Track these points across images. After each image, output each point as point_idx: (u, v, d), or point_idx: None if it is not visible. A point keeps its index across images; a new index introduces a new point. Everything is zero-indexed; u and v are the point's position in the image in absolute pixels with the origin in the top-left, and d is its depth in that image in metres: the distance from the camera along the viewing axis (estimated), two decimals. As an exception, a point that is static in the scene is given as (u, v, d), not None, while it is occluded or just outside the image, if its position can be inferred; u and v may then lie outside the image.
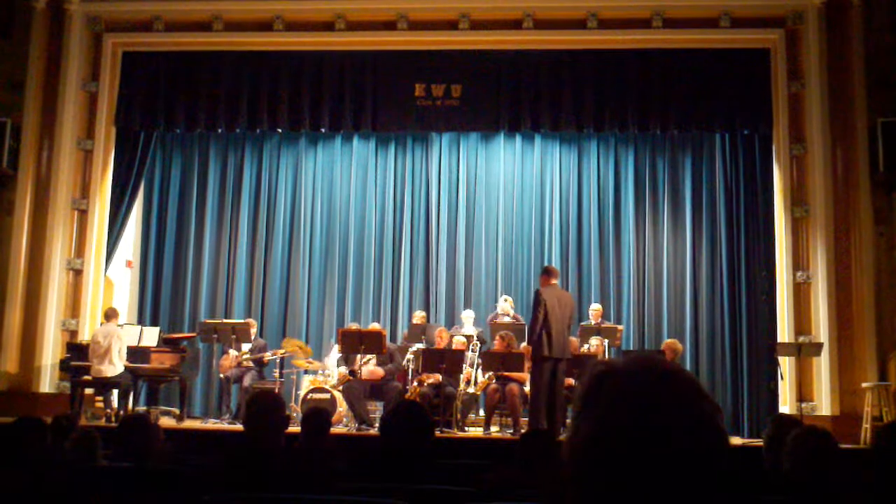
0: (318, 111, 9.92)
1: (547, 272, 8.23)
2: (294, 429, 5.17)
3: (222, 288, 11.15)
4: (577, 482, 1.03)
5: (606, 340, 9.42)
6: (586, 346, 9.28)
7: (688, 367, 9.91)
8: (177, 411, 9.29)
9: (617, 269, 10.93)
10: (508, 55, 9.86)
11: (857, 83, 9.10)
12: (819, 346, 8.67)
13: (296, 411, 8.82)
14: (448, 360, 8.44)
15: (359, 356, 8.71)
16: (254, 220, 11.37)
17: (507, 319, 9.70)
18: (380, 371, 8.90)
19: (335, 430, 8.64)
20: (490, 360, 8.62)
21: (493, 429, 8.69)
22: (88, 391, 9.00)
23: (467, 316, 10.03)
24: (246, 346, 9.68)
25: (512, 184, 11.24)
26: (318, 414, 4.45)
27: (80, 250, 9.80)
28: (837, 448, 3.00)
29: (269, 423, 3.13)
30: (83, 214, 9.87)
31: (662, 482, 0.98)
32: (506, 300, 9.96)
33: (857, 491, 2.62)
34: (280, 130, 10.62)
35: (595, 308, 10.01)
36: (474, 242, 11.18)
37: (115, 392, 8.83)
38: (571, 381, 8.48)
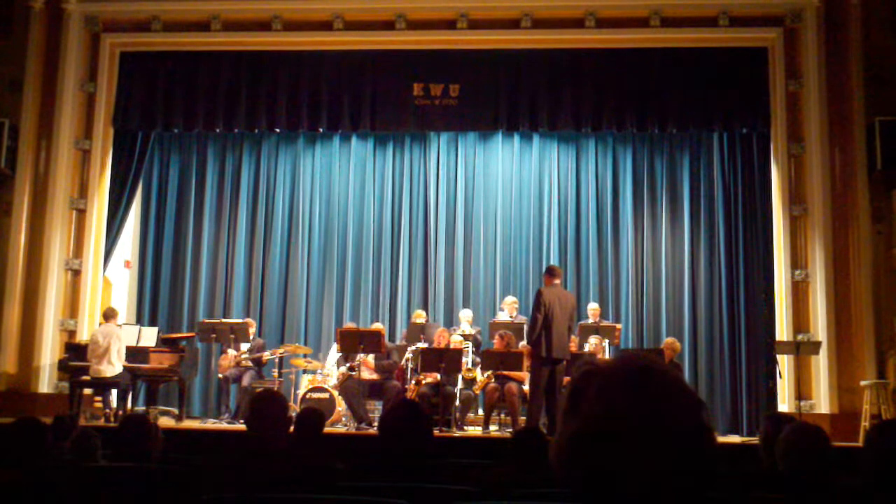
0: (317, 111, 9.91)
1: (549, 272, 8.26)
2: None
3: (221, 288, 11.15)
4: (565, 479, 1.04)
5: (606, 339, 9.42)
6: (585, 345, 9.28)
7: (686, 365, 9.93)
8: (176, 411, 9.28)
9: (615, 267, 10.92)
10: (507, 55, 9.86)
11: (855, 82, 9.11)
12: (817, 344, 8.67)
13: (295, 411, 8.81)
14: (447, 360, 8.45)
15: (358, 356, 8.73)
16: (252, 220, 11.36)
17: (506, 318, 9.73)
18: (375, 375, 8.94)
19: (335, 429, 8.66)
20: (489, 359, 8.62)
21: (493, 427, 8.70)
22: (87, 391, 9.01)
23: (465, 315, 10.03)
24: (245, 346, 9.68)
25: (510, 183, 11.23)
26: (311, 414, 4.45)
27: (78, 250, 9.80)
28: (830, 445, 3.00)
29: (273, 422, 3.13)
30: (81, 214, 9.87)
31: (646, 478, 0.99)
32: (510, 303, 9.94)
33: (851, 488, 2.62)
34: (278, 130, 10.61)
35: (593, 307, 10.01)
36: (473, 242, 11.17)
37: (114, 392, 8.83)
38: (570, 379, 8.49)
